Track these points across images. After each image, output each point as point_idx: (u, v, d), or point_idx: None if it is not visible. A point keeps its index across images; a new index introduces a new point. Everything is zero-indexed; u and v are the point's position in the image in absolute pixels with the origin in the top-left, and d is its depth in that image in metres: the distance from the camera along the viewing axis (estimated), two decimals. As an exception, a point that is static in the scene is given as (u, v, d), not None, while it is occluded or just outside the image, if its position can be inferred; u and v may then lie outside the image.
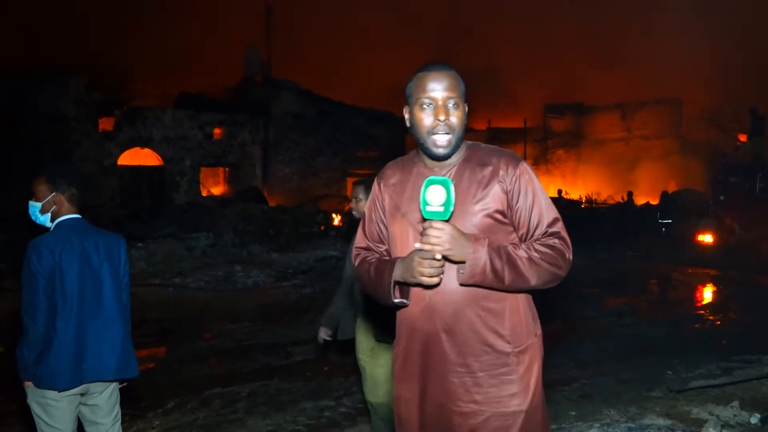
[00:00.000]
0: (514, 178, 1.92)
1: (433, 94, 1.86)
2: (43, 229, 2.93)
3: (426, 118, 1.87)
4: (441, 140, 1.87)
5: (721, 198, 15.45)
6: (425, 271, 1.76)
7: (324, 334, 3.79)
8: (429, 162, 1.97)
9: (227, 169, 21.56)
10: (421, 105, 1.88)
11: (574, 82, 31.29)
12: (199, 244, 12.42)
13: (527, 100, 32.30)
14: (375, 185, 2.11)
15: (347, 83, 30.29)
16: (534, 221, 1.93)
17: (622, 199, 19.86)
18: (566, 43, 33.54)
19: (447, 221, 1.76)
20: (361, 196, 3.50)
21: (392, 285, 1.88)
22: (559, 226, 1.97)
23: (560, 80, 32.23)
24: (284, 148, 21.81)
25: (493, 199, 1.91)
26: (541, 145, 31.99)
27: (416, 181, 1.93)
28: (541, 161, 32.46)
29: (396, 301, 1.90)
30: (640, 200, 21.73)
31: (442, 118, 1.85)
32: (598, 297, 9.69)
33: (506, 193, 1.91)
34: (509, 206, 1.92)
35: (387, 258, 2.04)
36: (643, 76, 29.41)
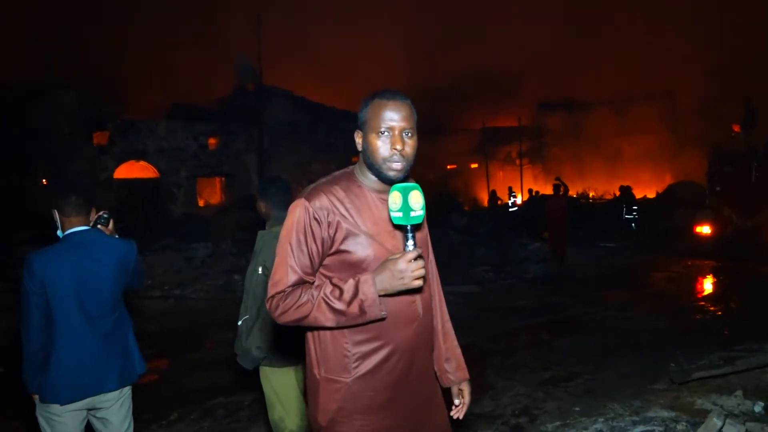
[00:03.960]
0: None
1: (391, 124, 1.91)
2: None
3: (382, 146, 1.91)
4: (396, 165, 1.92)
5: (718, 189, 15.47)
6: (419, 272, 1.80)
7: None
8: (379, 186, 2.00)
9: (223, 178, 21.57)
10: (378, 133, 1.91)
11: (567, 80, 31.37)
12: (198, 254, 12.40)
13: (521, 98, 32.36)
14: (308, 212, 1.90)
15: (340, 88, 30.33)
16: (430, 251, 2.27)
17: (614, 195, 19.94)
18: (559, 40, 33.61)
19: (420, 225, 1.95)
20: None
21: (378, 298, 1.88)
22: None
23: (554, 78, 32.31)
24: (279, 155, 21.82)
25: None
26: (535, 143, 32.04)
27: (377, 205, 1.99)
28: (536, 159, 32.51)
29: (383, 314, 1.88)
30: (637, 194, 21.77)
31: (398, 147, 1.90)
32: (597, 292, 9.70)
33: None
34: None
35: (337, 280, 1.90)
36: (635, 70, 29.50)
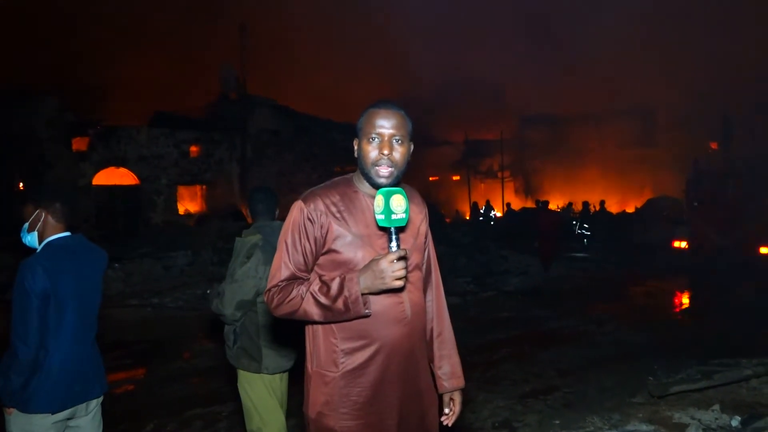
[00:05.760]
0: (426, 221, 2.28)
1: (380, 130, 2.02)
2: (31, 250, 2.82)
3: (372, 151, 2.02)
4: (383, 171, 2.02)
5: (695, 204, 15.68)
6: (399, 273, 1.88)
7: None
8: (373, 191, 2.07)
9: (204, 186, 21.42)
10: (369, 139, 2.03)
11: (549, 94, 31.66)
12: (177, 263, 12.28)
13: (504, 112, 32.58)
14: (302, 213, 2.03)
15: (323, 99, 30.34)
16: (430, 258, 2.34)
17: (595, 208, 20.09)
18: (541, 55, 33.97)
19: (404, 227, 2.02)
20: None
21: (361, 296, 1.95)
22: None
23: (536, 92, 32.58)
24: (261, 164, 21.75)
25: (423, 226, 2.24)
26: (517, 157, 32.26)
27: (370, 209, 2.05)
28: (518, 172, 32.73)
29: (366, 311, 1.97)
30: (615, 208, 22.00)
31: (386, 152, 2.00)
32: (577, 305, 9.75)
33: (425, 229, 2.26)
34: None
35: (327, 278, 2.00)
36: (616, 86, 29.85)
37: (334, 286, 1.94)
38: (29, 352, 2.60)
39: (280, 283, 2.03)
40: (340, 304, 1.93)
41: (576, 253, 15.86)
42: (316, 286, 1.97)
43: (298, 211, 2.05)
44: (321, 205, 2.04)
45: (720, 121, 21.57)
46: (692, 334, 7.77)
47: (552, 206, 24.09)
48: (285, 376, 3.46)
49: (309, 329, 2.11)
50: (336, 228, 2.02)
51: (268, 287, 2.06)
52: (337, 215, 2.04)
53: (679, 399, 4.90)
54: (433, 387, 2.27)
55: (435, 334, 2.32)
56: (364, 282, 1.92)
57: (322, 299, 1.94)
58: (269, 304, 2.04)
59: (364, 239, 2.04)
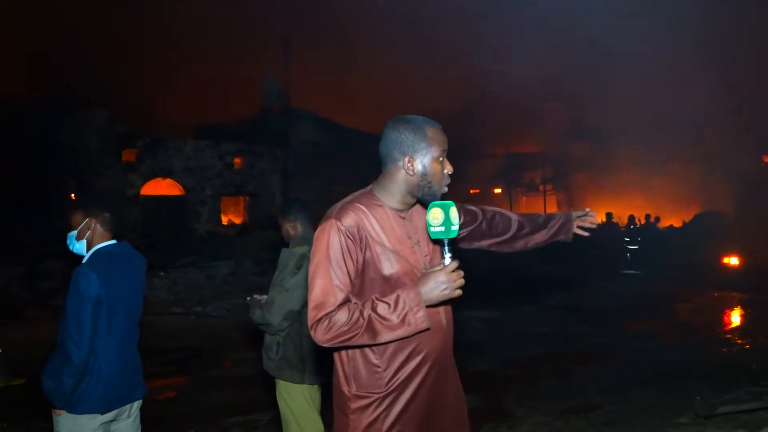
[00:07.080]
0: None
1: (444, 147, 2.04)
2: (78, 258, 2.92)
3: (442, 171, 2.04)
4: (446, 186, 2.07)
5: (746, 219, 15.22)
6: (459, 282, 1.89)
7: None
8: (400, 205, 2.07)
9: (247, 198, 21.76)
10: (439, 157, 2.02)
11: (591, 106, 31.18)
12: (220, 272, 12.50)
13: (546, 124, 32.23)
14: (340, 232, 1.91)
15: (364, 110, 30.55)
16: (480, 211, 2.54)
17: (639, 221, 19.61)
18: (583, 66, 33.53)
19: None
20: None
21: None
22: None
23: (577, 104, 32.14)
24: (303, 176, 21.98)
25: None
26: (559, 170, 31.84)
27: (398, 223, 2.05)
28: (560, 186, 32.30)
29: (427, 325, 1.92)
30: (662, 223, 21.42)
31: (449, 170, 2.06)
32: (620, 321, 9.54)
33: None
34: None
35: (379, 297, 1.91)
36: (661, 97, 29.20)
37: (395, 303, 1.87)
38: (82, 354, 2.67)
39: (334, 310, 1.86)
40: (404, 320, 1.85)
41: (623, 269, 15.51)
42: (376, 306, 1.87)
43: (335, 230, 1.92)
44: (357, 221, 1.95)
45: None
46: (742, 354, 7.51)
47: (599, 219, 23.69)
48: (319, 386, 3.48)
49: (340, 350, 2.02)
50: (374, 244, 1.96)
51: (317, 317, 1.86)
52: (372, 230, 1.98)
53: (727, 420, 4.74)
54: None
55: (522, 223, 2.53)
56: (426, 295, 1.88)
57: (387, 320, 1.85)
58: (319, 335, 1.86)
59: (400, 253, 2.01)
